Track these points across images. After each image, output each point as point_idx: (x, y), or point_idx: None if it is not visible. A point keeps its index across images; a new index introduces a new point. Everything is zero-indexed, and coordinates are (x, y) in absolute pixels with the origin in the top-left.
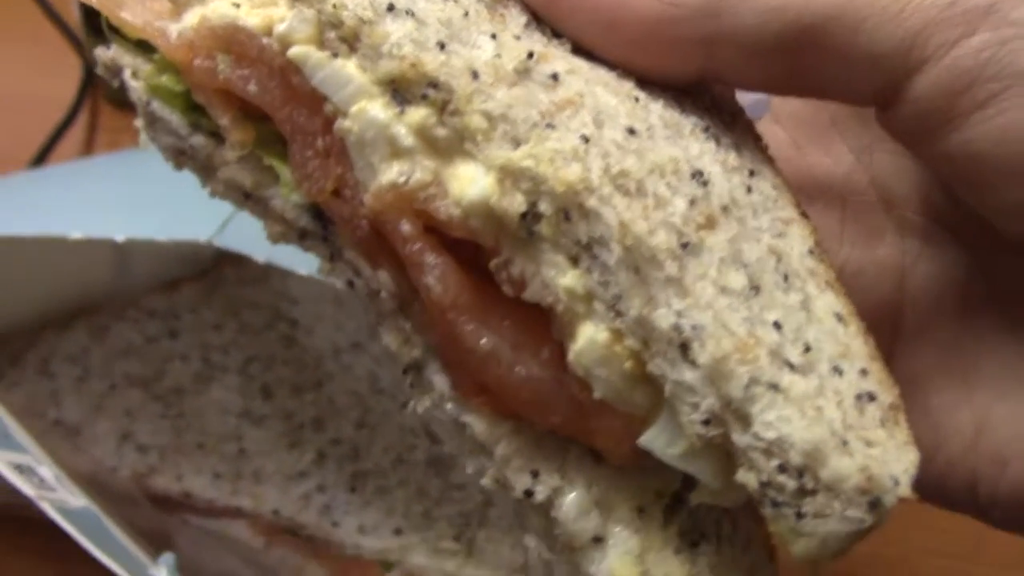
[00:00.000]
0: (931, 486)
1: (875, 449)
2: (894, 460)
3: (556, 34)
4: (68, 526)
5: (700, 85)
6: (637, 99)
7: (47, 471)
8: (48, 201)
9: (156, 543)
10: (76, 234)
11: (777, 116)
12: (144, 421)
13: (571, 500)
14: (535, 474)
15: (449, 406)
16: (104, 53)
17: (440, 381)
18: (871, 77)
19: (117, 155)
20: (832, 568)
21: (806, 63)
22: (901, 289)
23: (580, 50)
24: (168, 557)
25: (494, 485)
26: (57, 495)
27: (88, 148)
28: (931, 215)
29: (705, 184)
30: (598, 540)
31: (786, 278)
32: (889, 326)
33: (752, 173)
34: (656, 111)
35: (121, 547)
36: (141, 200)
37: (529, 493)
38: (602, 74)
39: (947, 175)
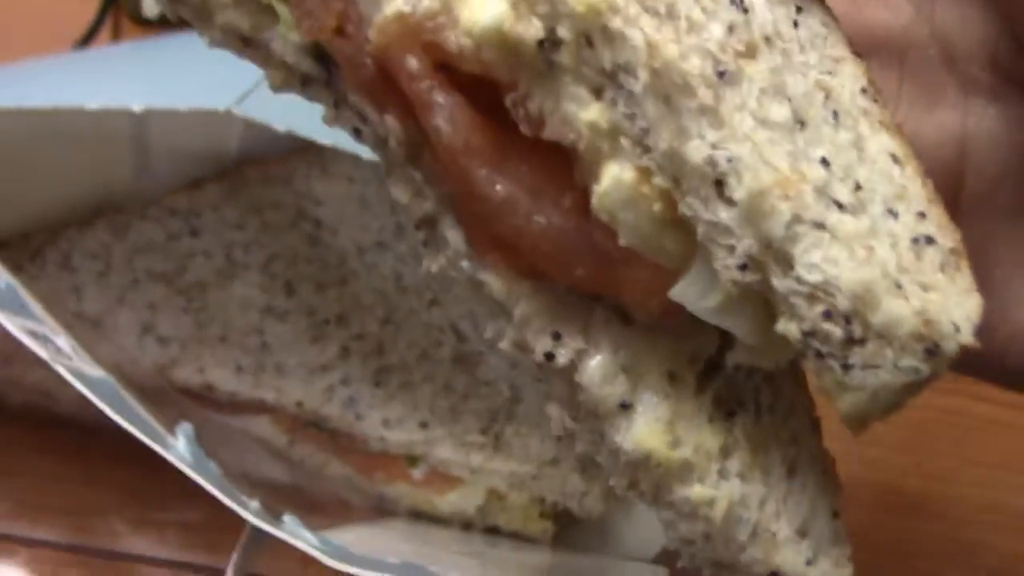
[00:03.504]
0: (992, 363)
1: (933, 294)
2: (955, 306)
3: None
4: (85, 389)
5: None
6: None
7: (63, 341)
8: (66, 81)
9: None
10: (93, 104)
11: None
12: (166, 314)
13: (596, 364)
14: (557, 336)
15: (465, 263)
16: None
17: (454, 236)
18: None
19: (139, 41)
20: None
21: None
22: (963, 153)
23: None
24: (185, 427)
25: (513, 348)
26: (74, 363)
27: None
28: (998, 71)
29: (746, 11)
30: (625, 407)
31: (836, 115)
32: (949, 194)
33: (799, 9)
34: None
35: (139, 417)
36: (161, 77)
37: (550, 356)
38: None
39: (1020, 18)
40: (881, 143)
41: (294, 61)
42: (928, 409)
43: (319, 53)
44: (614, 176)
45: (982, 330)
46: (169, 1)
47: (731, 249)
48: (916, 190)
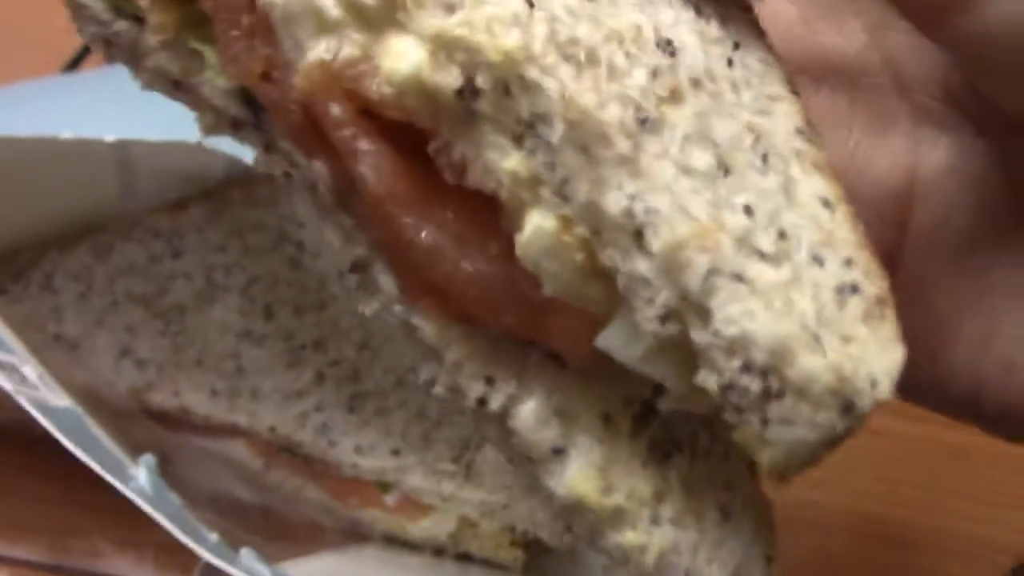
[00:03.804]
0: (933, 393)
1: (852, 346)
2: (874, 358)
3: None
4: (45, 420)
5: None
6: None
7: (31, 371)
8: (51, 105)
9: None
10: (67, 134)
11: None
12: (144, 337)
13: (528, 409)
14: (490, 381)
15: (397, 308)
16: None
17: (387, 281)
18: None
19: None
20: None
21: None
22: (913, 181)
23: None
24: (148, 458)
25: (446, 393)
26: (39, 394)
27: None
28: (950, 101)
29: (673, 55)
30: (558, 452)
31: (765, 158)
32: (897, 222)
33: (737, 46)
34: None
35: (102, 448)
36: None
37: (483, 402)
38: None
39: (962, 58)
40: (812, 186)
41: (223, 105)
42: (915, 439)
43: (247, 97)
44: (536, 225)
45: (926, 362)
46: (102, 46)
47: (651, 301)
48: (845, 235)
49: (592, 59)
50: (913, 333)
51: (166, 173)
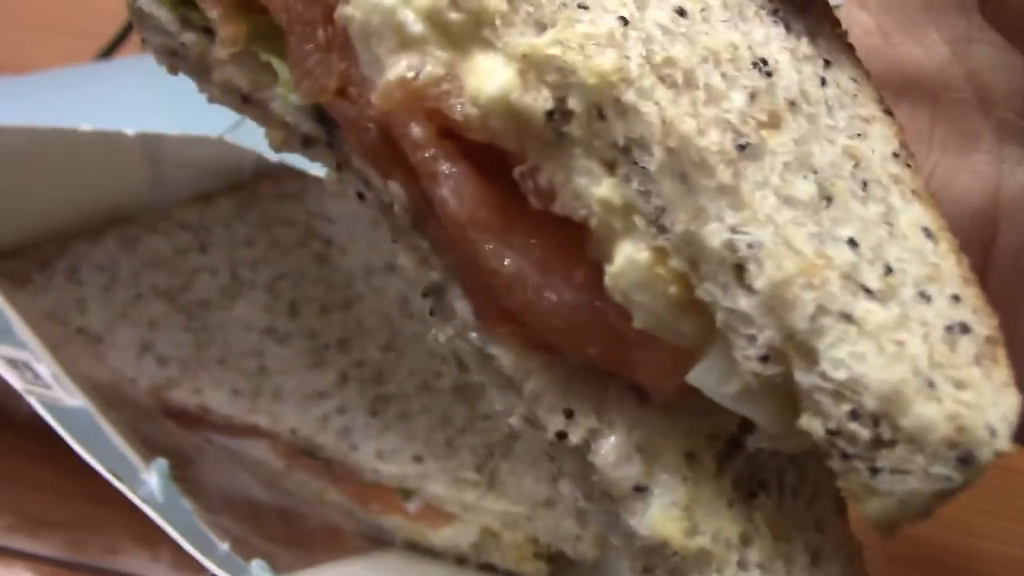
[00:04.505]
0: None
1: (967, 392)
2: (990, 405)
3: None
4: (53, 421)
5: None
6: None
7: (45, 369)
8: (67, 99)
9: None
10: (86, 126)
11: (863, 0)
12: (166, 332)
13: (610, 444)
14: (569, 414)
15: (473, 335)
16: None
17: (463, 307)
18: None
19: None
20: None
21: None
22: (996, 201)
23: None
24: (161, 462)
25: (523, 425)
26: (51, 392)
27: None
28: None
29: (769, 75)
30: (640, 489)
31: (865, 186)
32: (981, 243)
33: (828, 64)
34: None
35: (114, 450)
36: (161, 98)
37: (562, 435)
38: None
39: None
40: (913, 215)
41: (294, 121)
42: None
43: (320, 114)
44: (628, 256)
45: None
46: (167, 58)
47: (752, 339)
48: (950, 269)
49: (690, 81)
50: None
51: (196, 166)
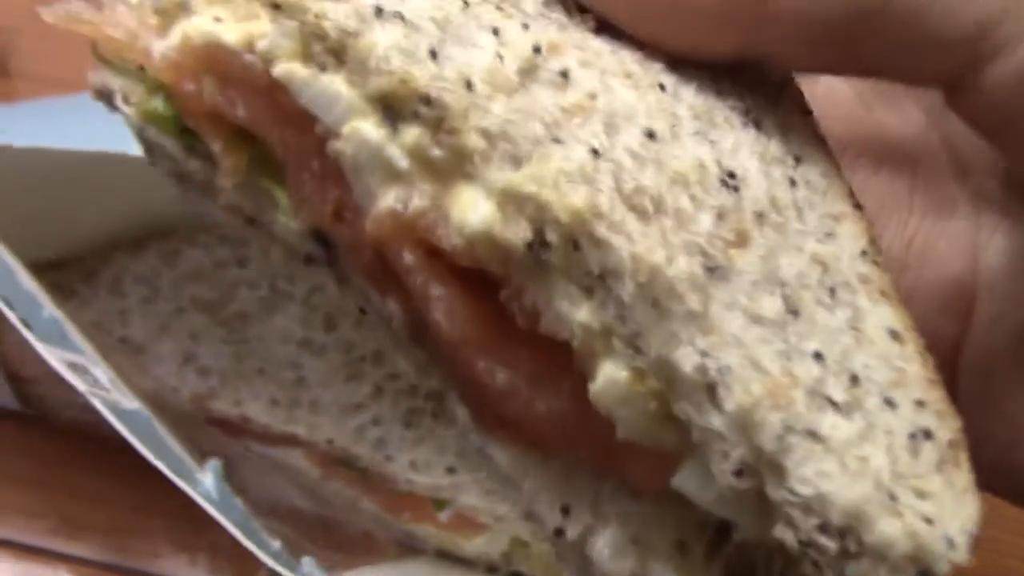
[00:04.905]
0: (1008, 482)
1: (928, 503)
2: (950, 515)
3: (580, 7)
4: (117, 422)
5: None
6: (663, 86)
7: (102, 373)
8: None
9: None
10: (135, 150)
11: None
12: (207, 344)
13: (605, 538)
14: (566, 510)
15: (473, 437)
16: (94, 77)
17: (461, 412)
18: (938, 64)
19: None
20: None
21: (864, 47)
22: (975, 268)
23: (605, 25)
24: (215, 463)
25: (525, 519)
26: (110, 395)
27: None
28: (1010, 184)
29: (737, 189)
30: None
31: (832, 292)
32: (960, 309)
33: (798, 160)
34: (686, 98)
35: (170, 451)
36: None
37: (560, 532)
38: (625, 58)
39: (978, 130)
40: (880, 317)
41: (295, 243)
42: None
43: (319, 236)
44: (608, 375)
45: (992, 453)
46: (176, 181)
47: (726, 455)
48: (915, 372)
49: (659, 207)
50: (977, 424)
51: None
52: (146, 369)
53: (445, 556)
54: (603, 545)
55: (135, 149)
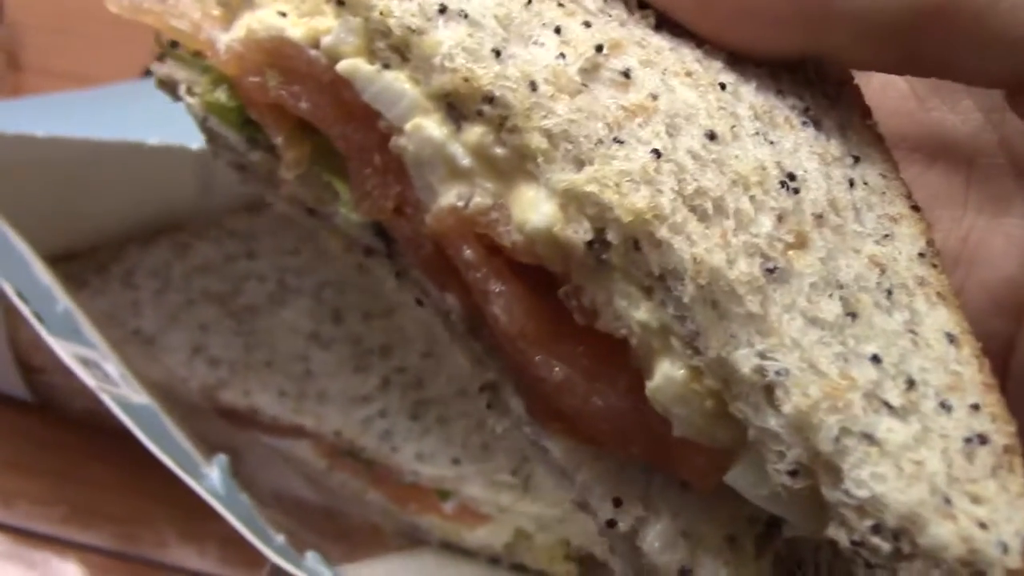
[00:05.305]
0: None
1: (983, 508)
2: (1004, 520)
3: (641, 2)
4: (125, 417)
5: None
6: (724, 85)
7: (112, 368)
8: (133, 112)
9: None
10: (153, 140)
11: None
12: (217, 336)
13: (656, 531)
14: (618, 503)
15: (527, 429)
16: (159, 68)
17: (516, 404)
18: (1002, 63)
19: None
20: None
21: (928, 46)
22: None
23: (664, 21)
24: (221, 458)
25: (577, 510)
26: (120, 390)
27: None
28: None
29: (797, 191)
30: (685, 572)
31: (889, 294)
32: (1013, 308)
33: (857, 160)
34: (747, 97)
35: (177, 445)
36: None
37: (612, 523)
38: (685, 55)
39: None
40: (937, 320)
41: (356, 235)
42: None
43: (379, 229)
44: (665, 374)
45: None
46: (237, 171)
47: (781, 455)
48: (971, 376)
49: (720, 209)
50: None
51: None
52: (157, 359)
53: (449, 548)
54: (654, 537)
55: (149, 140)
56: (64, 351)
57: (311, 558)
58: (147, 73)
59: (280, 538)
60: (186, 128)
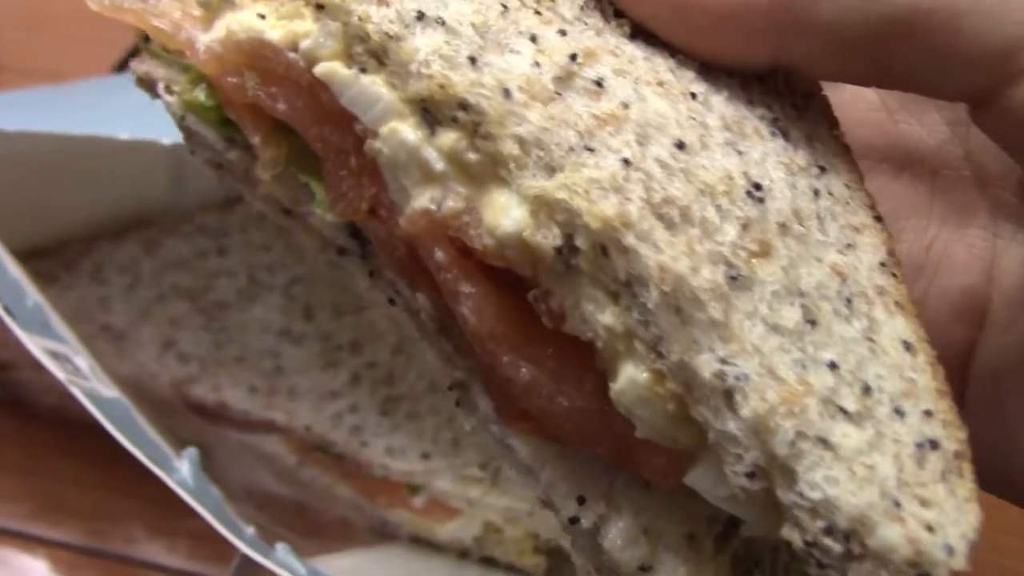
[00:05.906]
0: (1008, 486)
1: (931, 511)
2: (951, 523)
3: (617, 11)
4: (95, 410)
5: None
6: (695, 95)
7: (82, 362)
8: (104, 108)
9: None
10: (124, 135)
11: None
12: (187, 331)
13: (618, 528)
14: (581, 500)
15: (494, 428)
16: (138, 66)
17: (484, 403)
18: (966, 78)
19: None
20: None
21: (896, 59)
22: (990, 276)
23: (639, 31)
24: (191, 451)
25: (541, 507)
26: (90, 384)
27: None
28: None
29: (762, 201)
30: (645, 569)
31: (849, 302)
32: (974, 315)
33: (823, 170)
34: (717, 107)
35: (148, 439)
36: None
37: (575, 520)
38: (658, 65)
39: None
40: (895, 328)
41: (330, 235)
42: None
43: (354, 230)
44: (629, 376)
45: (998, 457)
46: (214, 169)
47: (739, 458)
48: (925, 383)
49: (686, 218)
50: (984, 428)
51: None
52: (127, 355)
53: (419, 542)
54: (616, 535)
55: (120, 135)
56: (34, 345)
57: (281, 550)
58: (118, 69)
59: (250, 530)
60: (157, 123)
